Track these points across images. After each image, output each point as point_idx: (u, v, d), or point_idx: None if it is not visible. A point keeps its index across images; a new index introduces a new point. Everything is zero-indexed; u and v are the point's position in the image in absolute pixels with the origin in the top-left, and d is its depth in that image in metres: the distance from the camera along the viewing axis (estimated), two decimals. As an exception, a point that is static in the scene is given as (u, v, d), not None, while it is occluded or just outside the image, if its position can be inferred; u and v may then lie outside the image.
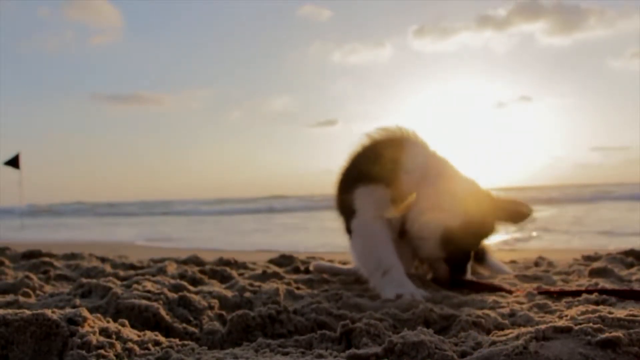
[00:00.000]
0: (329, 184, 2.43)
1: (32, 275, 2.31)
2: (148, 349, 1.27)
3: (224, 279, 2.45)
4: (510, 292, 2.02)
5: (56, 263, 2.90)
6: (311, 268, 2.73)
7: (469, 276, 2.29)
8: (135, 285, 1.90)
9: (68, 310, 1.30)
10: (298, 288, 2.15)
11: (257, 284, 2.16)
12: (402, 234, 2.21)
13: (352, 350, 1.17)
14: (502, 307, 1.73)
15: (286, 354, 1.25)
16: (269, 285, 2.08)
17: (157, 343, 1.32)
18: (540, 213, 11.47)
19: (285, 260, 3.16)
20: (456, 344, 1.25)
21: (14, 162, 11.62)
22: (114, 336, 1.25)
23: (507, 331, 1.31)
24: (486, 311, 1.58)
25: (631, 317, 1.25)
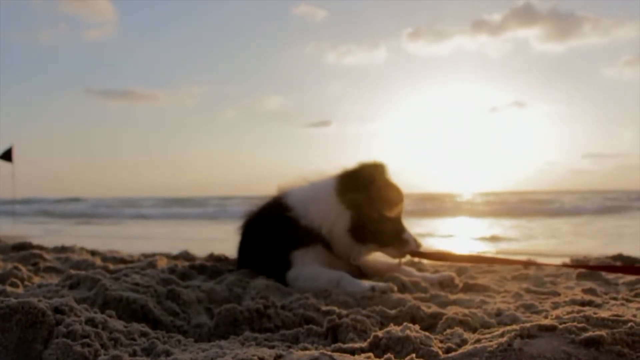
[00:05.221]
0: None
1: (21, 266, 2.30)
2: (134, 339, 1.27)
3: (213, 274, 2.45)
4: None
5: (46, 255, 2.89)
6: None
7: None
8: (124, 278, 1.89)
9: (55, 299, 1.29)
10: (287, 285, 2.16)
11: (246, 279, 2.16)
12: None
13: (338, 344, 1.18)
14: (489, 306, 1.74)
15: (272, 347, 1.25)
16: (258, 281, 2.08)
17: (143, 334, 1.32)
18: (532, 218, 11.53)
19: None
20: (442, 341, 1.26)
21: (7, 156, 11.56)
22: (100, 326, 1.25)
23: (493, 329, 1.32)
24: (473, 310, 1.59)
25: (615, 318, 1.25)
